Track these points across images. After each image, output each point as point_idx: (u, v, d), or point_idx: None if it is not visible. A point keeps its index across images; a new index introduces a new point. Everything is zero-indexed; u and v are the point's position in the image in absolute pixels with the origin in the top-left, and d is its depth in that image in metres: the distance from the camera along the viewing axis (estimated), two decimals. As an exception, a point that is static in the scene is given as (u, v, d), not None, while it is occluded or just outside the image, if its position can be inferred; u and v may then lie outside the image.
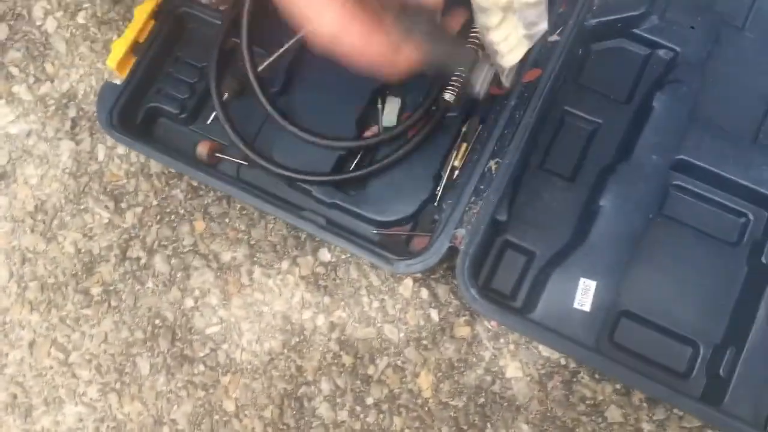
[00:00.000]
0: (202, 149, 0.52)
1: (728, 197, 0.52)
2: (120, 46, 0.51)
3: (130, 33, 0.51)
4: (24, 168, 0.57)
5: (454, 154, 0.53)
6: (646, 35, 0.55)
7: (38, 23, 0.59)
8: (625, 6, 0.54)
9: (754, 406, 0.47)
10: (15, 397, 0.53)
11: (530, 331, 0.48)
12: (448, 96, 0.48)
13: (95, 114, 0.57)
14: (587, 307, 0.49)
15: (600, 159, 0.53)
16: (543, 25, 0.43)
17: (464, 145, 0.53)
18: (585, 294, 0.49)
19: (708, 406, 0.46)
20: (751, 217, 0.52)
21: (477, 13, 0.41)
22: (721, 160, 0.51)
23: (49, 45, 0.59)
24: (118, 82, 0.51)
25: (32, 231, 0.55)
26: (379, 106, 0.53)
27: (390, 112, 0.53)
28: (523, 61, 0.48)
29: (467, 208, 0.49)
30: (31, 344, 0.54)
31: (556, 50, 0.51)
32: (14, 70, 0.58)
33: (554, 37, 0.52)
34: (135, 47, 0.52)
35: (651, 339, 0.50)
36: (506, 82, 0.48)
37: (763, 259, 0.50)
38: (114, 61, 0.51)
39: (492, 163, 0.49)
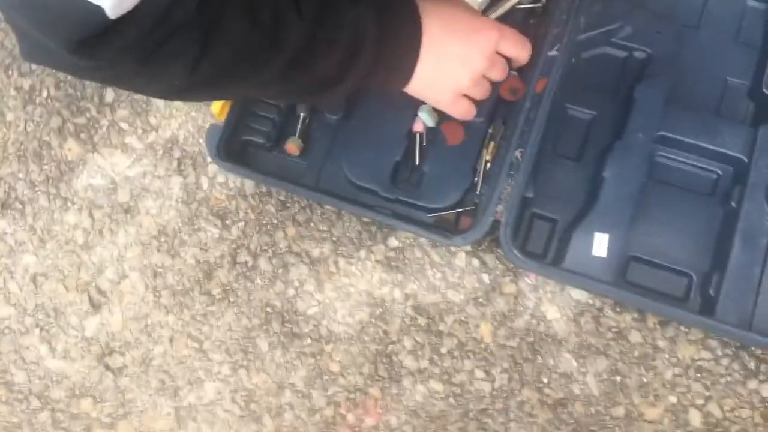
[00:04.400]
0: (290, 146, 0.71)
1: (702, 160, 0.69)
2: (220, 97, 0.68)
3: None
4: (144, 202, 0.73)
5: (485, 150, 0.70)
6: (623, 42, 0.73)
7: (138, 86, 0.76)
8: (604, 21, 0.72)
9: (739, 314, 0.64)
10: (163, 382, 0.69)
11: (562, 278, 0.66)
12: None
13: (197, 152, 0.74)
14: (604, 254, 0.66)
15: (598, 141, 0.70)
16: None
17: (492, 143, 0.70)
18: (600, 245, 0.66)
19: (705, 317, 0.63)
20: (720, 173, 0.69)
21: None
22: (693, 132, 0.69)
23: (149, 102, 0.76)
24: (219, 123, 0.69)
25: (159, 251, 0.72)
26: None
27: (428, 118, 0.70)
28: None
29: (503, 189, 0.66)
30: (171, 339, 0.70)
31: (556, 63, 0.69)
32: (124, 125, 0.76)
33: (554, 53, 0.69)
34: (230, 97, 0.69)
35: (655, 275, 0.67)
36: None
37: (733, 204, 0.67)
38: (216, 107, 0.68)
39: (517, 153, 0.66)
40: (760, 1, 0.73)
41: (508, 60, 0.65)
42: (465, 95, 0.64)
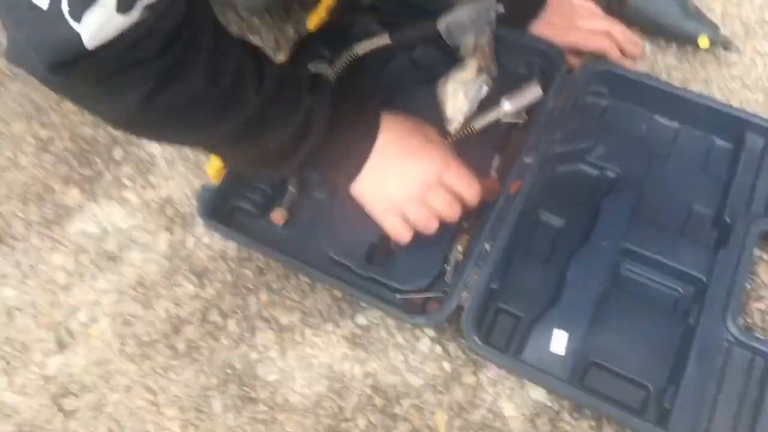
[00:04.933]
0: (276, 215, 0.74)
1: (664, 277, 0.73)
2: (217, 160, 0.73)
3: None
4: (130, 253, 0.77)
5: (458, 242, 0.74)
6: (595, 161, 0.78)
7: (145, 145, 0.83)
8: (579, 139, 0.78)
9: (692, 429, 0.64)
10: (111, 431, 0.69)
11: (520, 370, 0.67)
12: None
13: (188, 213, 0.78)
14: (562, 351, 0.67)
15: (566, 246, 0.74)
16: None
17: (465, 236, 0.74)
18: (558, 342, 0.68)
19: (659, 427, 0.63)
20: (681, 291, 0.72)
21: None
22: (656, 248, 0.72)
23: (153, 162, 0.82)
24: (213, 185, 0.73)
25: (134, 300, 0.74)
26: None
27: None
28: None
29: (469, 278, 0.69)
30: (128, 388, 0.70)
31: (530, 168, 0.74)
32: (126, 181, 0.81)
33: (529, 160, 0.75)
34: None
35: (613, 383, 0.68)
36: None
37: (691, 321, 0.69)
38: (213, 170, 0.73)
39: (487, 245, 0.70)
40: (726, 141, 0.80)
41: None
42: (402, 215, 0.68)
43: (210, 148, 0.65)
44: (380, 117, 0.67)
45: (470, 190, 0.69)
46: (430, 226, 0.69)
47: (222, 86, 0.54)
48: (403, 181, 0.67)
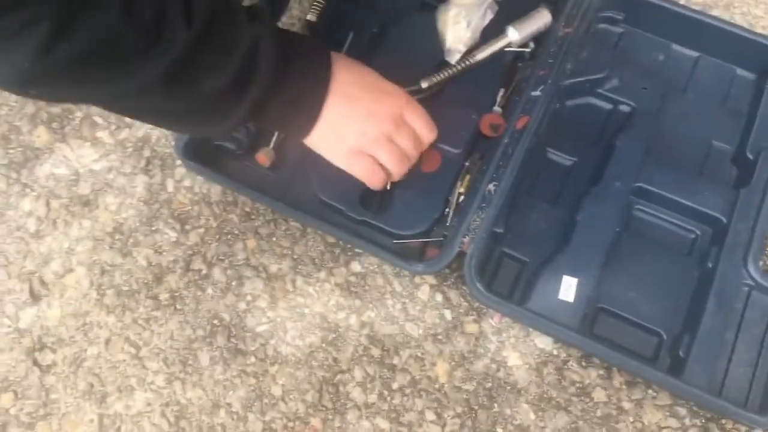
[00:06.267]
0: (261, 156, 0.69)
1: (680, 217, 0.68)
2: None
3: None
4: (105, 197, 0.72)
5: (460, 183, 0.69)
6: (608, 94, 0.73)
7: (119, 83, 0.76)
8: (591, 70, 0.72)
9: (708, 379, 0.61)
10: (92, 386, 0.65)
11: (526, 319, 0.63)
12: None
13: (167, 154, 0.73)
14: (571, 298, 0.63)
15: (576, 187, 0.70)
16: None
17: (468, 176, 0.69)
18: (568, 289, 0.64)
19: (672, 377, 0.60)
20: (698, 232, 0.68)
21: None
22: (672, 187, 0.68)
23: (127, 100, 0.76)
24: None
25: (111, 248, 0.70)
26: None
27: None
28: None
29: (472, 222, 0.64)
30: (107, 341, 0.67)
31: (538, 103, 0.69)
32: (98, 119, 0.75)
33: (537, 93, 0.69)
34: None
35: (624, 330, 0.65)
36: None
37: (709, 264, 0.65)
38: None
39: (491, 186, 0.65)
40: (749, 71, 0.74)
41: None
42: (371, 157, 0.62)
43: (139, 102, 0.50)
44: (330, 56, 0.59)
45: (429, 129, 0.65)
46: (403, 168, 0.64)
47: (141, 22, 0.44)
48: (372, 120, 0.60)
